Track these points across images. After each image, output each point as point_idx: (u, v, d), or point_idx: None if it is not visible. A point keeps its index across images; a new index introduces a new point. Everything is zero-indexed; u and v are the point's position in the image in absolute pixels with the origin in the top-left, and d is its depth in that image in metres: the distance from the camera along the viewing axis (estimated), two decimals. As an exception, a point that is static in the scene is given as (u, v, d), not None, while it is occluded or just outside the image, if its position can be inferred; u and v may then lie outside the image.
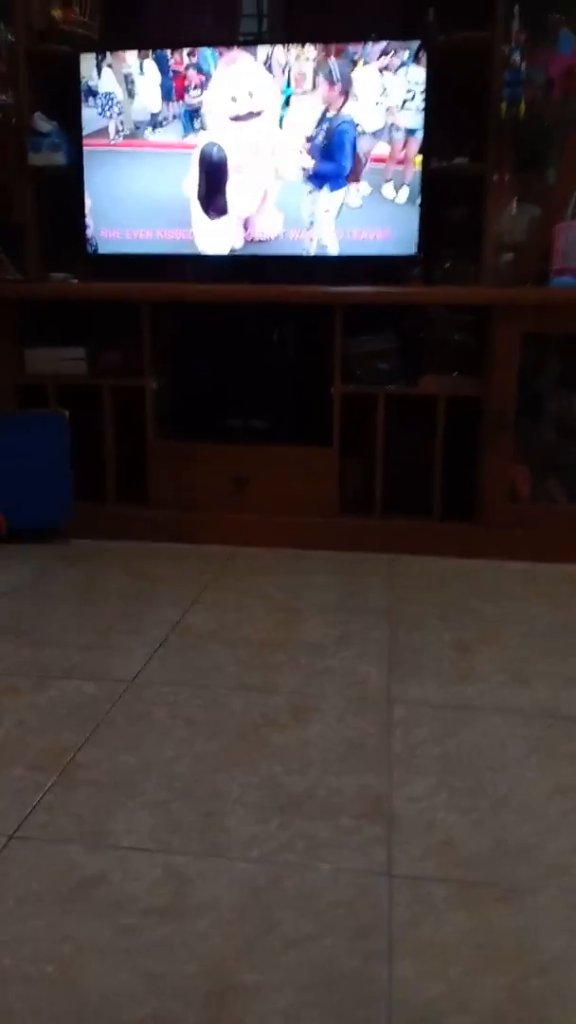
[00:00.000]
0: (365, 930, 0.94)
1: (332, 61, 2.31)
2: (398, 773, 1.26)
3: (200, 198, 2.43)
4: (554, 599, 2.05)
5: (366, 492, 2.44)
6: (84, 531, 2.45)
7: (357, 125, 2.34)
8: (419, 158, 2.33)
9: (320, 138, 2.37)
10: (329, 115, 2.35)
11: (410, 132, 2.34)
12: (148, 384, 2.42)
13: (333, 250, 2.41)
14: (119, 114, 2.43)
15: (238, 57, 2.36)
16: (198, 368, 2.52)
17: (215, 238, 2.45)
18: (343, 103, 2.34)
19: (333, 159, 2.37)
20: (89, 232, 2.50)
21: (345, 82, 2.32)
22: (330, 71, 2.32)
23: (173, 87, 2.41)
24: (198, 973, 0.88)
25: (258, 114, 2.38)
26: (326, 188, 2.38)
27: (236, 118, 2.39)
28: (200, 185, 2.43)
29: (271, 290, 2.38)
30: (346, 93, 2.33)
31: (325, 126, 2.36)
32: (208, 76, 2.38)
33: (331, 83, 2.33)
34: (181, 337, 2.54)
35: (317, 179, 2.39)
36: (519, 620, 1.91)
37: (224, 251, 2.45)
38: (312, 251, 2.42)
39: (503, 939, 0.93)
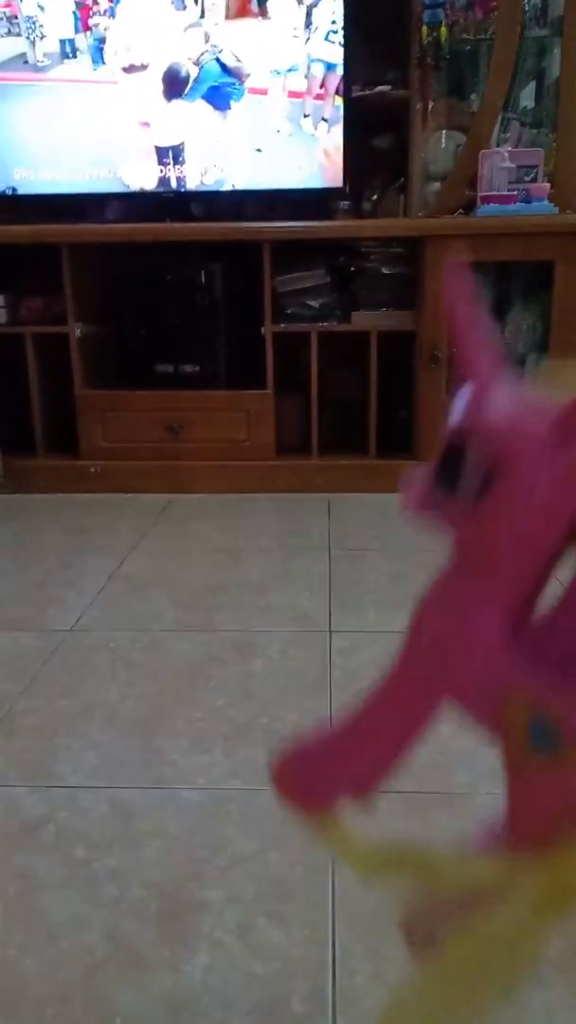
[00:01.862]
0: (309, 843, 0.96)
1: None
2: (338, 698, 1.28)
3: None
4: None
5: (302, 432, 2.43)
6: (15, 485, 2.38)
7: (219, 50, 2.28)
8: (339, 96, 2.28)
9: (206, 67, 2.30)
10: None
11: (329, 66, 2.28)
12: (72, 331, 2.34)
13: (257, 185, 2.36)
14: (42, 38, 2.30)
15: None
16: (125, 313, 2.45)
17: (166, 132, 2.35)
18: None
19: (220, 82, 2.31)
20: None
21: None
22: None
23: (80, 17, 2.29)
24: (150, 895, 0.89)
25: (144, 67, 2.29)
26: (231, 111, 2.32)
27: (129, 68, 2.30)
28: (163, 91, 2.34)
29: (195, 228, 2.32)
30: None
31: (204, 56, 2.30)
32: (116, 2, 2.27)
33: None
34: (106, 281, 2.46)
35: (214, 100, 2.32)
36: (455, 548, 1.94)
37: (170, 143, 2.35)
38: (235, 186, 2.36)
39: (442, 840, 0.95)
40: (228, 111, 2.32)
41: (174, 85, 2.32)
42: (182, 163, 2.36)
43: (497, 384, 0.37)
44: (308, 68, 2.28)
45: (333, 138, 2.30)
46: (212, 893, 0.89)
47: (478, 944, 0.47)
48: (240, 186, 2.36)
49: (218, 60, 2.28)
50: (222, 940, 0.83)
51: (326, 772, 0.48)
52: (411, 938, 0.53)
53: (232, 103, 2.31)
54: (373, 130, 2.43)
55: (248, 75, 2.28)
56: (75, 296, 2.33)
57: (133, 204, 2.45)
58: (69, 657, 1.45)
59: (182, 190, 2.38)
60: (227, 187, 2.36)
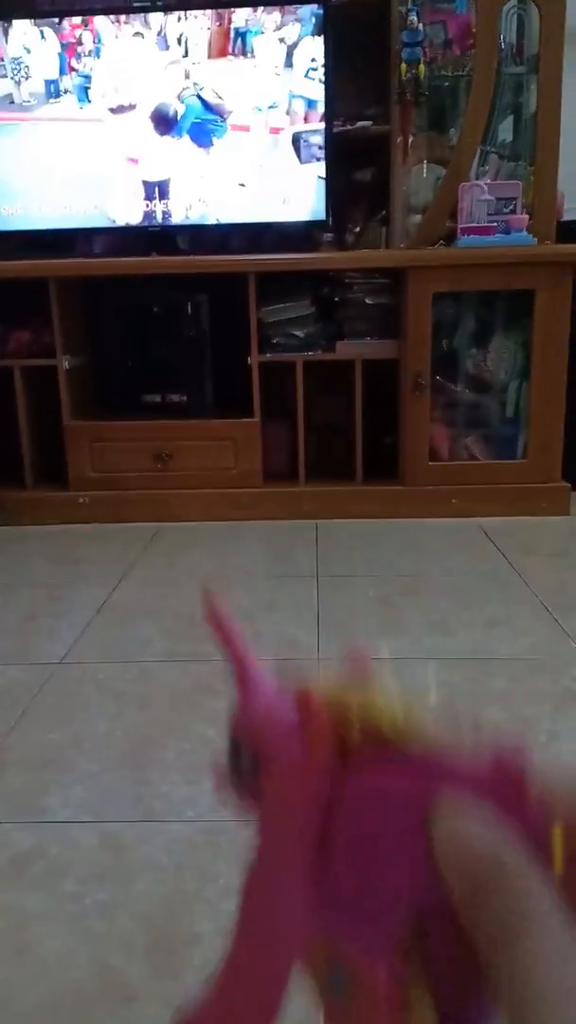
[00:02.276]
0: (300, 874, 0.96)
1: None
2: (329, 725, 1.28)
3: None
4: (471, 551, 2.10)
5: (290, 459, 2.45)
6: (4, 517, 2.39)
7: (200, 87, 2.33)
8: (321, 124, 2.34)
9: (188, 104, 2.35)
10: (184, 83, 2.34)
11: (310, 102, 2.33)
12: (61, 363, 2.37)
13: (241, 219, 2.40)
14: (27, 79, 2.34)
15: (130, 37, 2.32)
16: (112, 344, 2.48)
17: (152, 168, 2.39)
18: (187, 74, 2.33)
19: (203, 118, 2.36)
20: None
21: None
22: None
23: (66, 58, 2.34)
24: (139, 928, 0.89)
25: (131, 107, 2.34)
26: (214, 147, 2.36)
27: (117, 109, 2.35)
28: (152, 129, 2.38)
29: (181, 261, 2.36)
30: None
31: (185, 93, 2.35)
32: (101, 43, 2.32)
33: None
34: (93, 314, 2.49)
35: (197, 137, 2.37)
36: (440, 573, 1.96)
37: (156, 179, 2.39)
38: (219, 220, 2.40)
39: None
40: (211, 147, 2.37)
41: (162, 124, 2.37)
42: (167, 198, 2.40)
43: (260, 681, 0.42)
44: (290, 104, 2.33)
45: (316, 172, 2.35)
46: (202, 925, 0.89)
47: None
48: (224, 220, 2.40)
49: (200, 97, 2.33)
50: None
51: None
52: None
53: (215, 139, 2.36)
54: (355, 164, 2.48)
55: (230, 112, 2.34)
56: (63, 328, 2.36)
57: (119, 238, 2.48)
58: (58, 690, 1.45)
59: (168, 224, 2.42)
60: (211, 221, 2.40)
